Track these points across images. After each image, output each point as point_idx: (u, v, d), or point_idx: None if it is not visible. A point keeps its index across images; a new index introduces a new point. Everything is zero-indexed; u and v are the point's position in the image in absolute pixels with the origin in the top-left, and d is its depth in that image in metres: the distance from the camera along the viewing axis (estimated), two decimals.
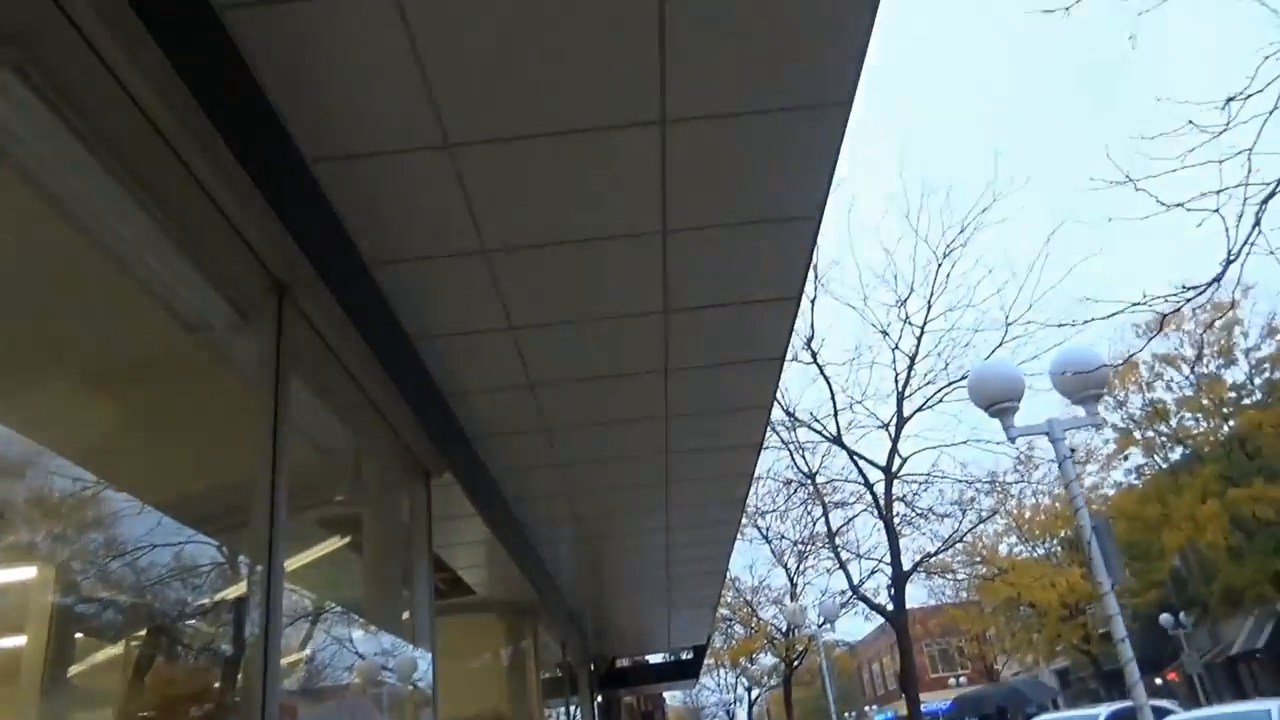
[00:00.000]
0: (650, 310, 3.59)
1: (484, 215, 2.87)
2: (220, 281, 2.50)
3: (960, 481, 14.61)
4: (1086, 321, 3.62)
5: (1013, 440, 6.34)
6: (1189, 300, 3.49)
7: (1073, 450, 6.66)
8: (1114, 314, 3.44)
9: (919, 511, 14.34)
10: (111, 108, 2.03)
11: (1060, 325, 3.54)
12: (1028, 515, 27.12)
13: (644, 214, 2.99)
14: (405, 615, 3.88)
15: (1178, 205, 3.25)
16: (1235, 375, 26.55)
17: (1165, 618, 27.77)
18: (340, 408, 3.18)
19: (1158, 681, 28.63)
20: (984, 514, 17.16)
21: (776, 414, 12.54)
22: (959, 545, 20.56)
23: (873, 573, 14.39)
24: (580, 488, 5.59)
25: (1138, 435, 27.81)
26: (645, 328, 3.71)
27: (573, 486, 5.55)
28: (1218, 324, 25.42)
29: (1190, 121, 3.36)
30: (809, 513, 16.27)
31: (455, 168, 2.64)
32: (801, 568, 20.55)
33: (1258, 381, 26.07)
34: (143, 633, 2.52)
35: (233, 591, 2.40)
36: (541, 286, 3.32)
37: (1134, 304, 3.42)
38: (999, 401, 6.21)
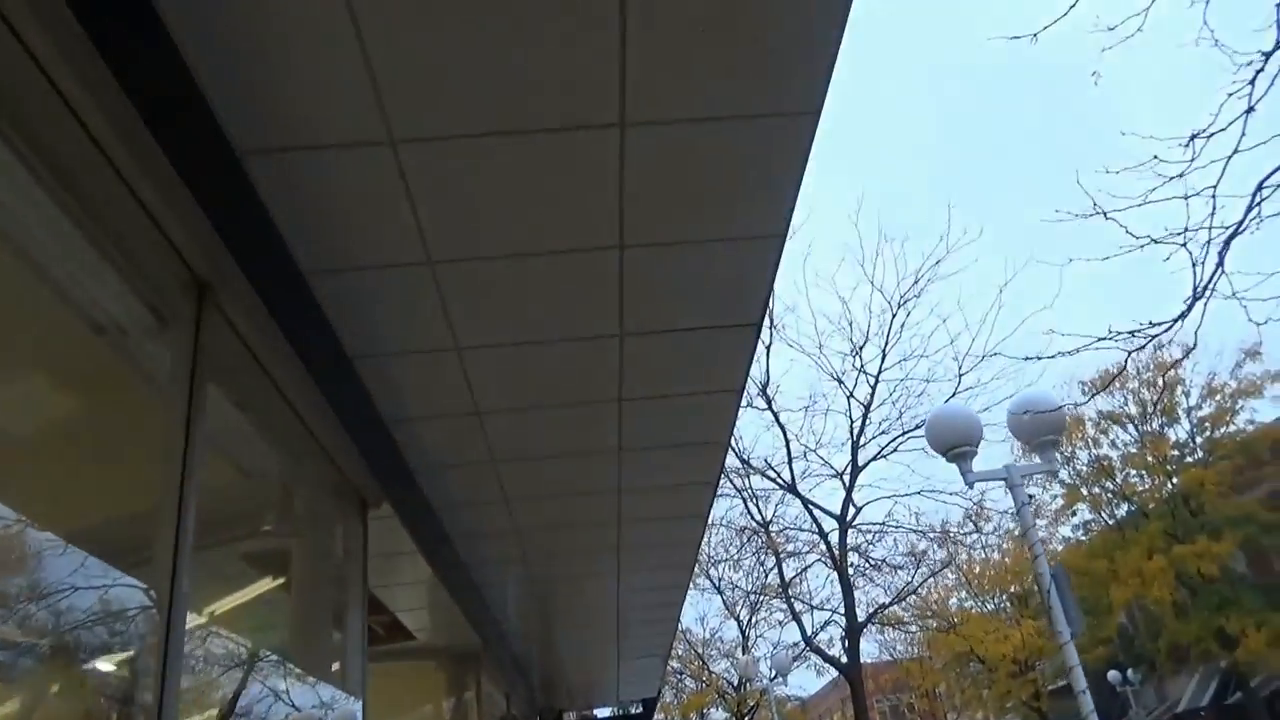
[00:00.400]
0: (606, 334, 3.43)
1: (430, 222, 2.69)
2: (134, 278, 2.29)
3: (914, 531, 14.56)
4: (1051, 356, 3.54)
5: (971, 485, 6.24)
6: (1153, 337, 3.43)
7: (1031, 497, 6.59)
8: (1079, 349, 3.37)
9: (873, 562, 14.23)
10: (19, 81, 1.84)
11: (1027, 359, 3.42)
12: (977, 570, 27.19)
13: (601, 225, 2.83)
14: (336, 660, 3.60)
15: (1147, 238, 3.20)
16: (1178, 434, 27.06)
17: (1113, 674, 27.84)
18: (267, 426, 2.95)
19: None
20: (937, 566, 17.10)
21: (730, 461, 12.40)
22: (911, 598, 20.47)
23: (826, 624, 14.22)
24: (529, 524, 5.35)
25: (1084, 491, 28.10)
26: (600, 352, 3.54)
27: (521, 523, 5.31)
28: (1162, 380, 25.97)
29: (1155, 157, 3.33)
30: (762, 562, 16.08)
31: (399, 166, 2.47)
32: (754, 619, 20.28)
33: (1199, 440, 26.57)
34: (25, 672, 2.25)
35: (129, 624, 2.14)
36: (492, 303, 3.14)
37: (1099, 338, 3.35)
38: (957, 446, 6.12)
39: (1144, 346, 3.41)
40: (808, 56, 2.42)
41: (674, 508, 5.37)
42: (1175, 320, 3.34)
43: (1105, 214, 3.33)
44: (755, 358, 4.17)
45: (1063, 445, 26.17)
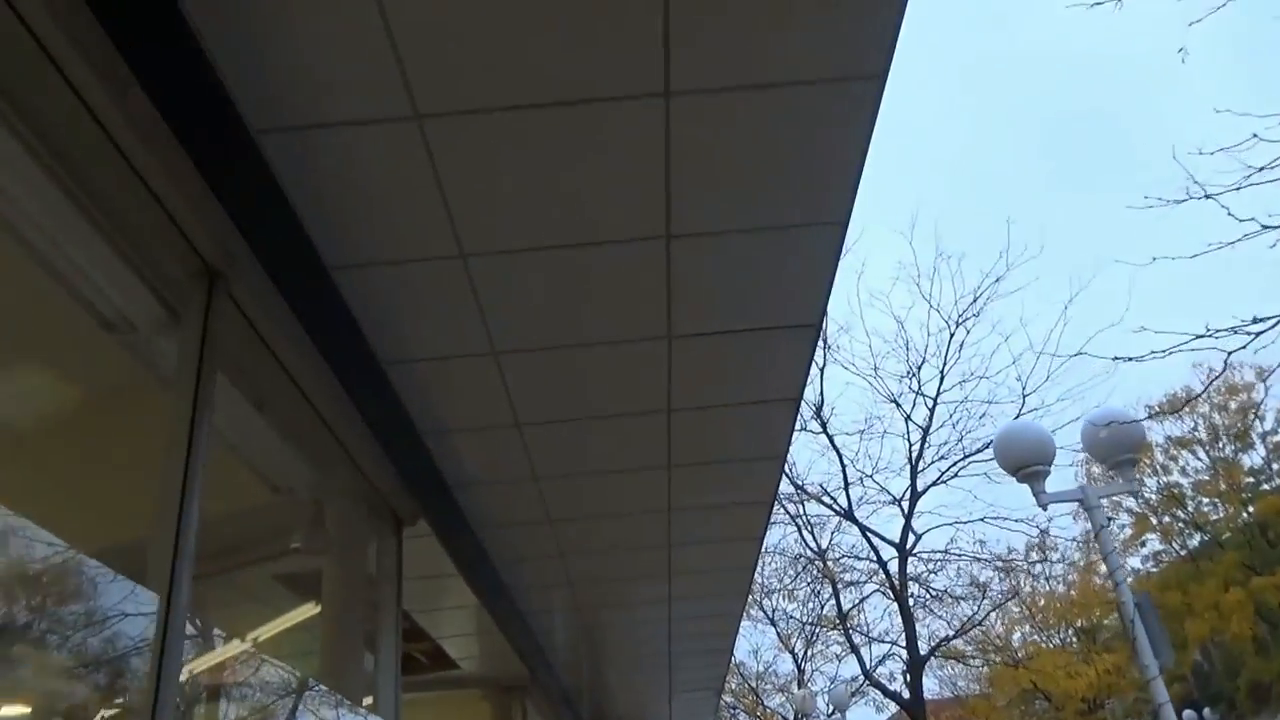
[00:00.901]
0: (653, 335, 3.19)
1: (461, 209, 2.49)
2: (142, 267, 2.12)
3: (978, 560, 13.99)
4: (1142, 357, 3.22)
5: (1045, 507, 5.87)
6: (1256, 334, 3.10)
7: (1110, 519, 6.17)
8: (1173, 349, 3.05)
9: (934, 593, 13.69)
10: (20, 60, 1.69)
11: (1115, 359, 3.17)
12: (1041, 603, 26.25)
13: (646, 211, 2.61)
14: (368, 686, 3.39)
15: (1250, 220, 2.88)
16: (1252, 459, 25.98)
17: (1189, 714, 26.59)
18: (291, 432, 2.76)
19: None
20: (1001, 598, 16.43)
21: (785, 487, 12.04)
22: (974, 632, 19.72)
23: (886, 657, 13.67)
24: (574, 547, 5.10)
25: (1154, 520, 27.04)
26: (647, 356, 3.30)
27: (566, 546, 5.07)
28: (1233, 406, 25.01)
29: (1254, 135, 3.02)
30: (817, 593, 15.59)
31: (426, 145, 2.28)
32: (809, 653, 19.68)
33: (1275, 466, 25.48)
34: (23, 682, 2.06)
35: (124, 629, 1.94)
36: (528, 302, 2.93)
37: (1196, 336, 3.03)
38: (1028, 464, 5.75)
39: (1245, 346, 3.09)
40: (835, 175, 2.44)
41: (728, 529, 5.09)
42: None
43: (1207, 193, 3.02)
44: (810, 376, 3.92)
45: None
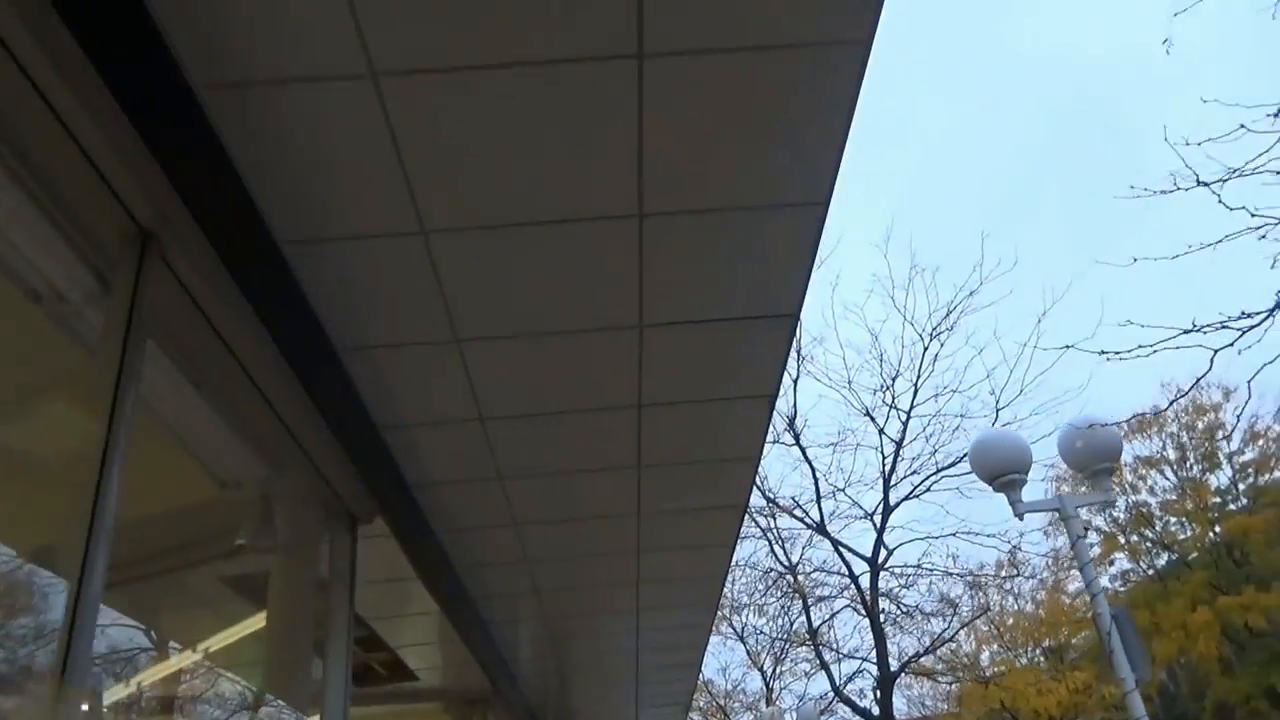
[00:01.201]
0: (624, 324, 3.05)
1: (420, 179, 2.34)
2: (71, 231, 1.95)
3: (949, 574, 13.93)
4: (1129, 351, 3.12)
5: (1020, 516, 5.77)
6: (1245, 331, 3.02)
7: (1086, 529, 6.09)
8: (1160, 344, 2.95)
9: (905, 609, 13.61)
10: None
11: (1103, 354, 3.05)
12: (1010, 622, 26.25)
13: (617, 185, 2.47)
14: (316, 693, 3.19)
15: (1240, 209, 2.80)
16: (1219, 480, 26.15)
17: None
18: (236, 417, 2.58)
19: None
20: (974, 613, 16.37)
21: (756, 500, 11.91)
22: (943, 650, 19.65)
23: (856, 673, 13.53)
24: (540, 553, 4.93)
25: (1122, 539, 27.14)
26: (618, 346, 3.16)
27: (531, 552, 4.90)
28: (1200, 425, 25.23)
29: (1242, 126, 2.95)
30: (786, 609, 15.45)
31: (383, 106, 2.13)
32: (778, 670, 19.50)
33: (1242, 487, 25.68)
34: None
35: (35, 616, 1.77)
36: (493, 285, 2.78)
37: (1183, 330, 2.94)
38: (1005, 473, 5.66)
39: (1233, 343, 3.00)
40: (815, 151, 2.34)
41: (699, 534, 4.94)
42: (1271, 312, 2.92)
43: (1199, 180, 2.93)
44: (783, 387, 3.80)
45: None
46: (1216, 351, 2.98)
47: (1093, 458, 5.58)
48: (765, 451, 4.61)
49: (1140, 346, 2.98)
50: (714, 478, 4.24)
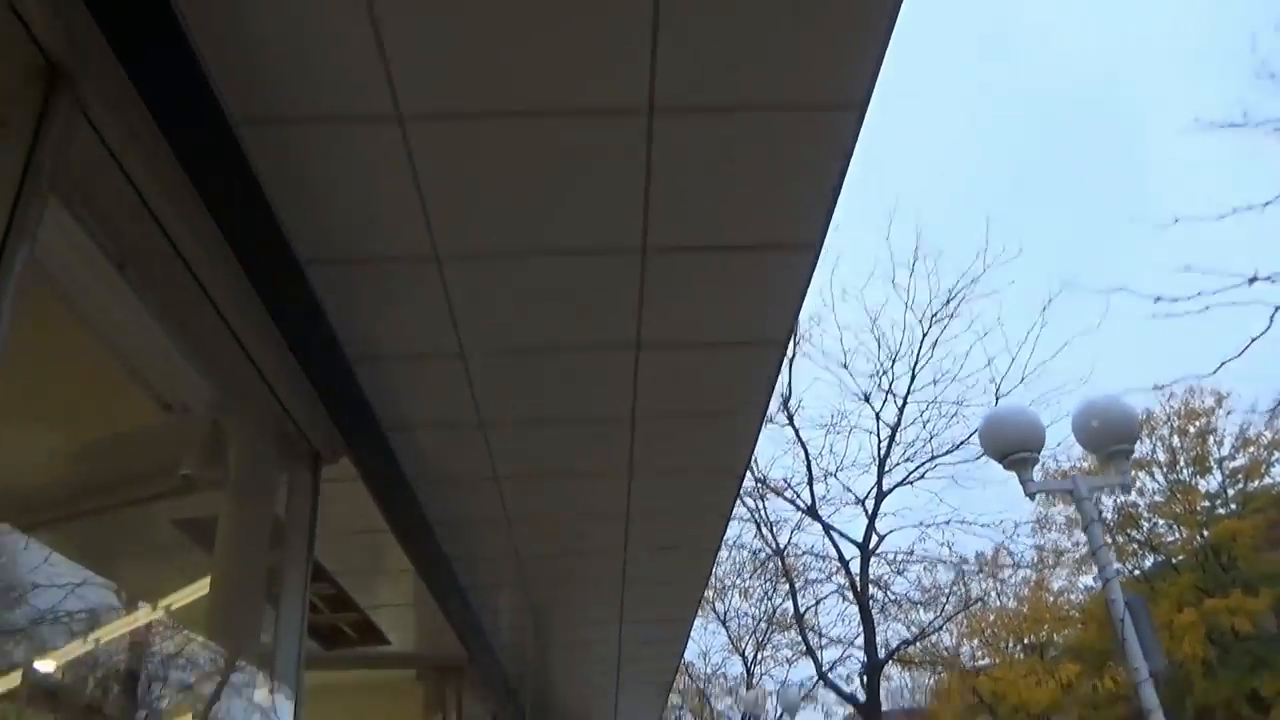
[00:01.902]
0: (626, 246, 2.72)
1: (400, 58, 2.00)
2: None
3: (941, 563, 13.70)
4: (1187, 298, 2.82)
5: (1031, 496, 5.49)
6: None
7: (1100, 515, 5.80)
8: (1220, 291, 2.65)
9: (893, 597, 13.40)
10: None
11: (1157, 300, 2.77)
12: (991, 618, 26.17)
13: (626, 85, 2.13)
14: (266, 645, 2.87)
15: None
16: (1209, 484, 26.02)
17: None
18: (168, 308, 2.24)
19: None
20: (965, 602, 16.19)
21: (746, 482, 11.61)
22: (925, 642, 19.49)
23: (842, 658, 13.31)
24: (524, 514, 4.61)
25: (1110, 539, 27.03)
26: (618, 273, 2.83)
27: (516, 512, 4.58)
28: (1192, 430, 25.08)
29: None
30: (769, 595, 15.20)
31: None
32: (760, 656, 19.27)
33: (1231, 492, 25.55)
34: None
35: None
36: (479, 191, 2.44)
37: (1248, 280, 2.63)
38: (1016, 451, 5.35)
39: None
40: (811, 195, 2.45)
41: (692, 500, 4.62)
42: None
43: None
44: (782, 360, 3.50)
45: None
46: (1277, 309, 2.68)
47: (1109, 438, 5.28)
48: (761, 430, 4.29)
49: (1200, 294, 2.69)
50: (713, 435, 3.92)
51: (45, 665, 2.41)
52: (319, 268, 2.66)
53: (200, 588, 2.95)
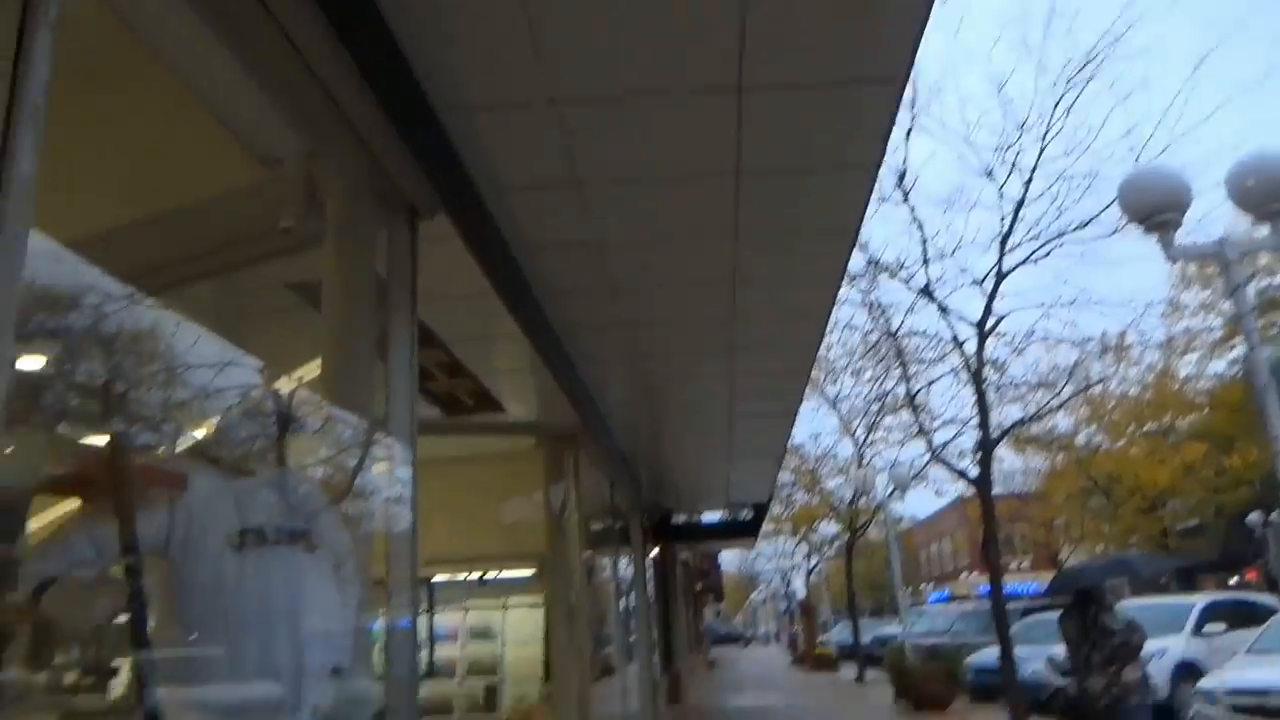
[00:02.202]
0: (723, 85, 2.45)
1: None
2: None
3: (1066, 342, 13.25)
4: None
5: (1174, 261, 5.10)
6: None
7: (1252, 274, 5.38)
8: None
9: (1011, 380, 13.16)
10: None
11: None
12: (1111, 405, 25.62)
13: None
14: (379, 398, 2.96)
15: None
16: None
17: (1253, 516, 26.28)
18: (257, 64, 2.15)
19: (1231, 581, 27.60)
20: (1088, 382, 15.76)
21: (857, 264, 11.23)
22: (1037, 428, 19.27)
23: (955, 436, 13.32)
24: (628, 283, 4.56)
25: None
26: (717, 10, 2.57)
27: (619, 282, 4.53)
28: None
29: None
30: (879, 380, 15.13)
31: None
32: (869, 438, 19.51)
33: None
34: None
35: None
36: None
37: None
38: (1159, 212, 4.93)
39: None
40: None
41: (803, 261, 4.46)
42: None
43: None
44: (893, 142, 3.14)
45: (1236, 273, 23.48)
46: None
47: (1269, 196, 4.78)
48: (870, 211, 4.01)
49: None
50: (825, 190, 3.70)
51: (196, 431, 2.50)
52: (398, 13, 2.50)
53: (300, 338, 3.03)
